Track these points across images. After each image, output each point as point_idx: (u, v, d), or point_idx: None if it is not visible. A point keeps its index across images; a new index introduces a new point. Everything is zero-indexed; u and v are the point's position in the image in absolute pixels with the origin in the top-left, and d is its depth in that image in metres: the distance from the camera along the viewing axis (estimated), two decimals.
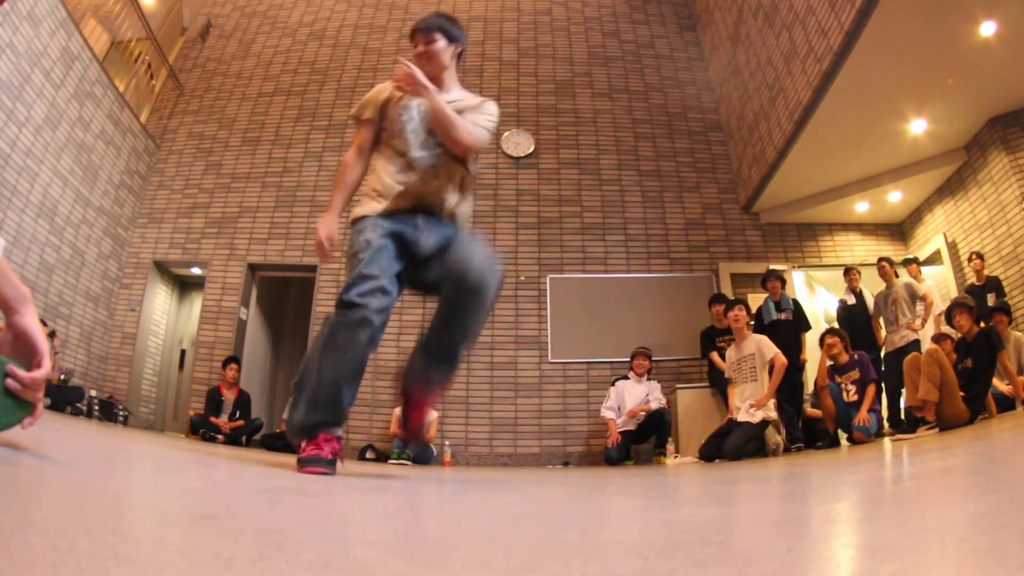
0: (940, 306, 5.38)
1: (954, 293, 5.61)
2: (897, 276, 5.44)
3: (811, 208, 6.61)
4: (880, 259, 5.49)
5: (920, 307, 5.22)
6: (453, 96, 2.28)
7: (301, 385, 1.92)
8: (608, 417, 5.25)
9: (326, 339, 1.91)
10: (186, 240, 6.87)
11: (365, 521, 0.91)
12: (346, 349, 1.87)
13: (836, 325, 5.54)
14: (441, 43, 2.32)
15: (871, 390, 4.30)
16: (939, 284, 6.00)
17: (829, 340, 4.55)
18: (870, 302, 5.55)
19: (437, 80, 2.24)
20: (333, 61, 7.97)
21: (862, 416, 4.17)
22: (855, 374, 4.39)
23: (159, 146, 7.38)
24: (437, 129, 2.08)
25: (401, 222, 2.04)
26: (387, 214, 2.04)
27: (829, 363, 4.61)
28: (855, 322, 5.40)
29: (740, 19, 6.74)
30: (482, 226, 6.87)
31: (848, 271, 5.71)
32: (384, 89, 2.25)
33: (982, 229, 5.58)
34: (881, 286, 5.45)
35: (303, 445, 1.85)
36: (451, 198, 2.13)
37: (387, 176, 2.09)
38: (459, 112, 2.14)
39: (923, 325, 5.15)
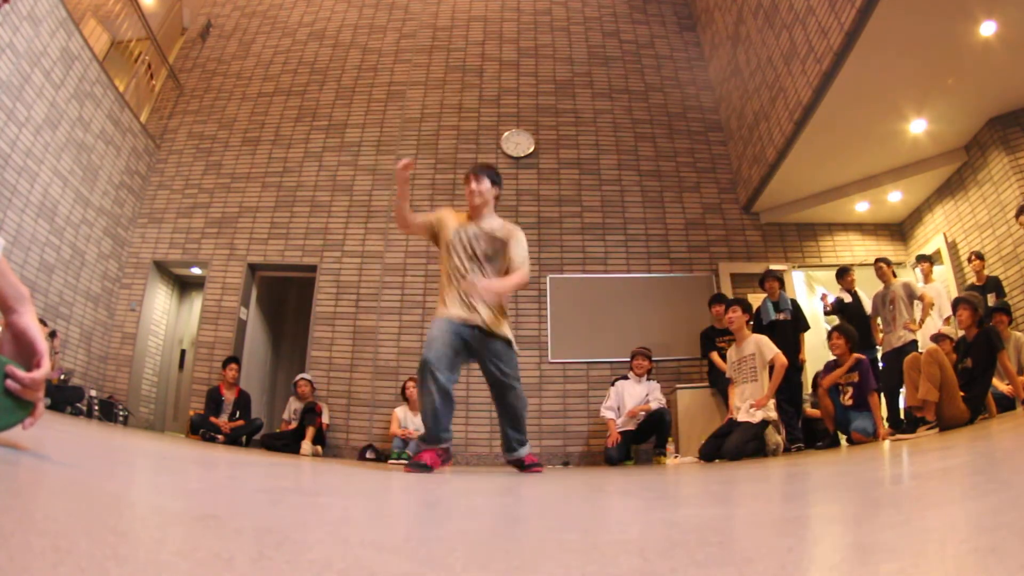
0: (947, 308, 5.38)
1: (954, 293, 5.60)
2: (895, 276, 5.44)
3: (811, 208, 6.61)
4: (877, 260, 5.49)
5: (918, 307, 5.23)
6: (490, 224, 3.05)
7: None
8: (608, 417, 5.25)
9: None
10: (186, 240, 6.87)
11: (365, 521, 0.91)
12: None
13: (834, 320, 5.53)
14: (487, 185, 3.07)
15: (875, 400, 4.29)
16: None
17: (836, 340, 4.50)
18: (865, 303, 5.55)
19: (481, 210, 3.06)
20: (333, 61, 7.97)
21: (882, 432, 4.15)
22: (854, 377, 4.38)
23: (159, 146, 7.38)
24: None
25: None
26: None
27: (831, 360, 4.61)
28: (851, 322, 5.41)
29: (740, 19, 6.74)
30: None
31: (844, 274, 5.67)
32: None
33: (982, 229, 5.58)
34: (877, 286, 5.45)
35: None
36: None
37: None
38: (495, 238, 3.00)
39: (920, 325, 5.15)
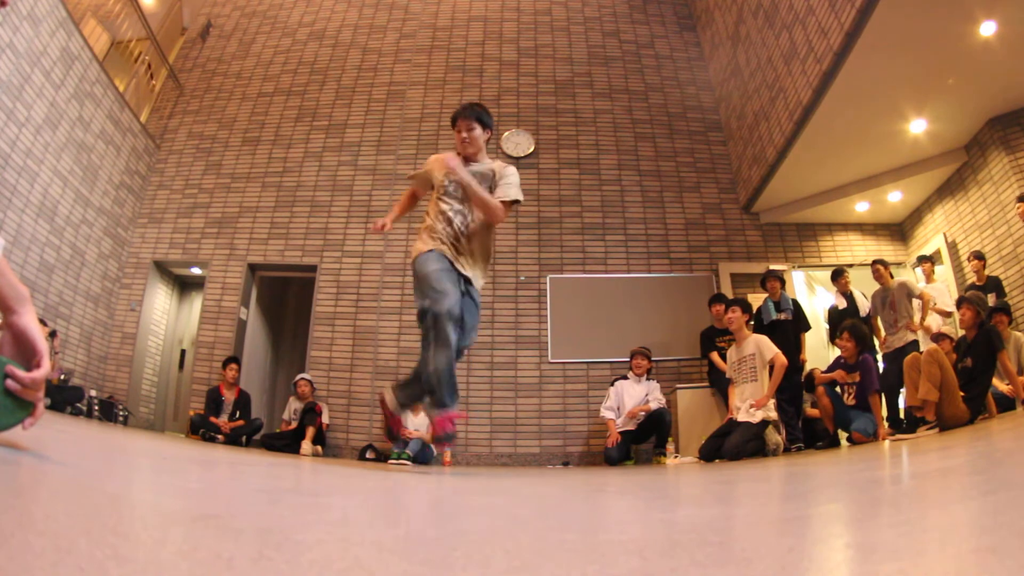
0: (950, 304, 5.39)
1: (954, 293, 5.61)
2: (892, 276, 5.44)
3: (811, 208, 6.61)
4: (874, 262, 5.48)
5: (918, 306, 5.23)
6: (482, 167, 2.92)
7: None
8: (608, 417, 5.25)
9: None
10: (186, 240, 6.87)
11: (365, 521, 0.91)
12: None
13: (829, 327, 5.53)
14: (477, 130, 2.92)
15: (876, 401, 4.29)
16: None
17: (846, 341, 4.48)
18: (861, 303, 5.54)
19: (474, 156, 2.94)
20: (333, 61, 7.97)
21: (882, 432, 4.15)
22: (856, 376, 4.38)
23: (159, 146, 7.38)
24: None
25: None
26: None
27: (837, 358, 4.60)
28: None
29: (740, 19, 6.74)
30: None
31: (836, 276, 5.67)
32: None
33: (982, 229, 5.58)
34: (876, 287, 5.45)
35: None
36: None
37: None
38: (486, 178, 2.86)
39: (922, 324, 5.15)
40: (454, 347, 2.69)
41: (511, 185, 2.86)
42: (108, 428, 4.27)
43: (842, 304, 5.60)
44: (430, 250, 2.79)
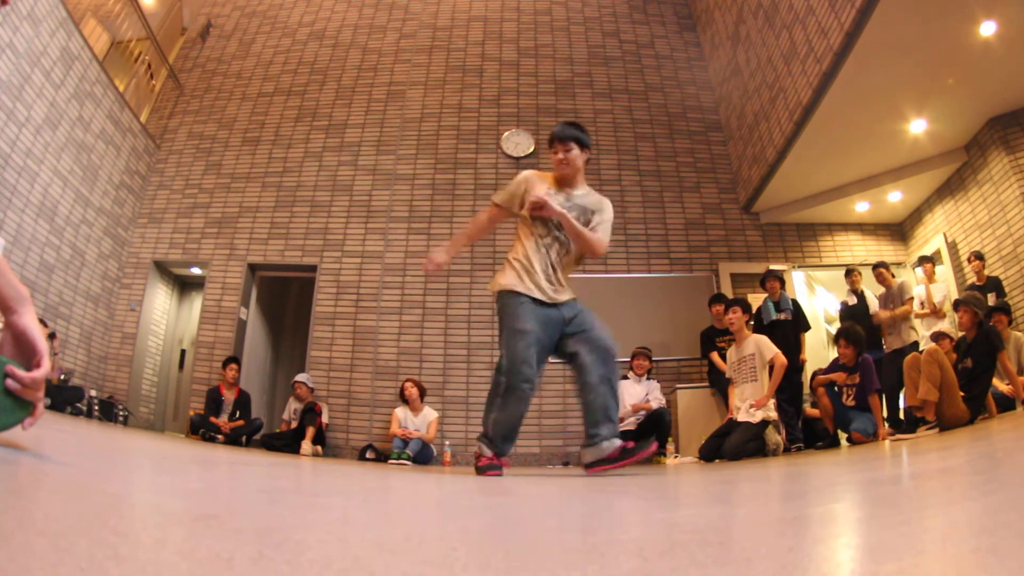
0: (943, 297, 5.41)
1: (954, 293, 5.61)
2: (894, 277, 5.46)
3: (811, 208, 6.61)
4: (875, 265, 5.49)
5: (917, 305, 5.25)
6: (583, 198, 2.76)
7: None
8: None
9: None
10: (186, 240, 6.87)
11: (365, 521, 0.91)
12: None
13: (837, 326, 5.54)
14: (575, 151, 2.72)
15: (876, 401, 4.28)
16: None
17: (844, 348, 4.47)
18: (871, 302, 5.57)
19: (572, 180, 2.75)
20: (333, 61, 7.97)
21: (882, 432, 4.15)
22: (856, 378, 4.38)
23: (159, 146, 7.38)
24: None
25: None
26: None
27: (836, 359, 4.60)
28: (857, 323, 5.41)
29: (740, 19, 6.74)
30: None
31: (849, 272, 5.72)
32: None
33: (982, 229, 5.58)
34: (878, 287, 5.47)
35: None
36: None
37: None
38: (587, 210, 2.70)
39: (907, 325, 5.16)
40: (526, 407, 2.66)
41: (607, 223, 2.71)
42: (108, 428, 4.27)
43: (852, 301, 5.63)
44: (523, 295, 2.61)
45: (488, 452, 2.66)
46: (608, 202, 2.80)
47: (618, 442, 2.58)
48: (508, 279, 2.65)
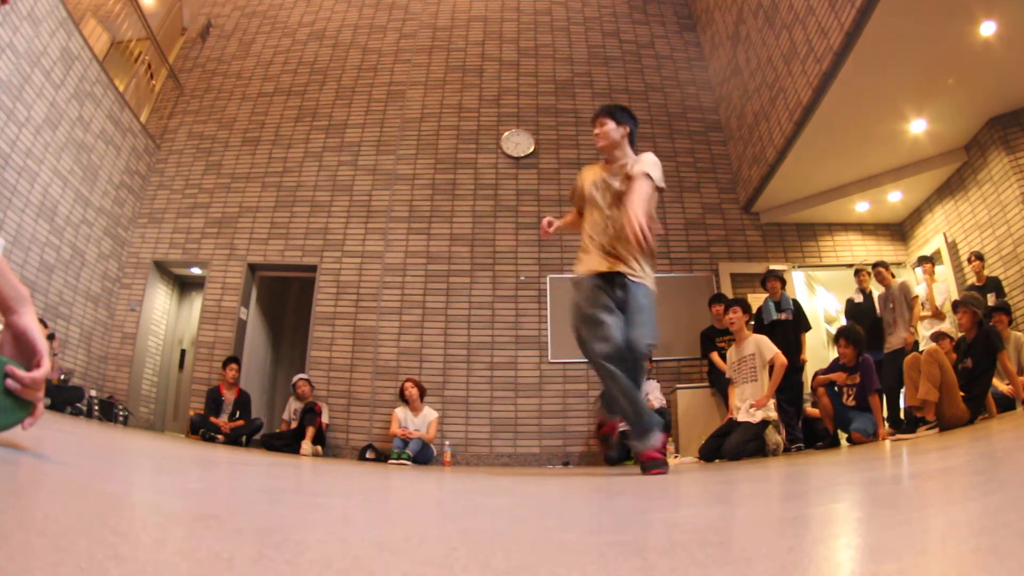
0: (944, 298, 5.41)
1: (954, 293, 5.61)
2: (894, 277, 5.46)
3: (811, 208, 6.61)
4: (874, 265, 5.49)
5: (917, 303, 5.25)
6: (623, 161, 2.79)
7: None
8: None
9: None
10: (186, 240, 6.87)
11: (365, 521, 0.91)
12: None
13: (840, 324, 5.54)
14: (609, 125, 2.80)
15: (876, 401, 4.28)
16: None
17: (844, 348, 4.46)
18: (877, 303, 5.57)
19: (612, 154, 2.82)
20: (333, 61, 7.97)
21: (882, 432, 4.14)
22: (856, 378, 4.38)
23: (159, 146, 7.38)
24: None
25: None
26: None
27: (836, 359, 4.60)
28: (861, 321, 5.41)
29: (740, 19, 6.74)
30: (482, 226, 6.88)
31: (859, 271, 5.73)
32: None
33: (982, 229, 5.58)
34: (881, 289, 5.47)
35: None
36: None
37: None
38: (627, 173, 2.69)
39: (914, 327, 5.17)
40: (618, 377, 2.52)
41: (641, 167, 2.64)
42: (108, 428, 4.27)
43: (859, 299, 5.63)
44: (581, 275, 2.70)
45: (639, 443, 2.53)
46: (646, 155, 2.75)
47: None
48: (575, 268, 2.79)
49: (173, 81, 7.78)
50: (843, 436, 4.49)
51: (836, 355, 4.71)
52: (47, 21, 5.49)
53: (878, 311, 5.48)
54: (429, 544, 0.68)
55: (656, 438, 2.52)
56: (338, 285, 6.64)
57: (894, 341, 5.20)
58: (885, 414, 4.77)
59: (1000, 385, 4.20)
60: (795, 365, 4.91)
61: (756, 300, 5.66)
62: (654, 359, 5.64)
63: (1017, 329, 4.63)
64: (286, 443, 5.43)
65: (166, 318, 7.20)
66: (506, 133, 7.35)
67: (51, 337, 5.19)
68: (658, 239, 2.75)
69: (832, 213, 6.73)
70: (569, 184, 7.03)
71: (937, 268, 5.97)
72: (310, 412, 5.51)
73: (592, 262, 2.69)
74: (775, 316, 5.27)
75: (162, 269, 7.01)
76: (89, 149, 6.13)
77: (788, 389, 4.74)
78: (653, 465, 2.44)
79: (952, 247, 6.01)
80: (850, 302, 5.77)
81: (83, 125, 6.02)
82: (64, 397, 5.05)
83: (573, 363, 6.29)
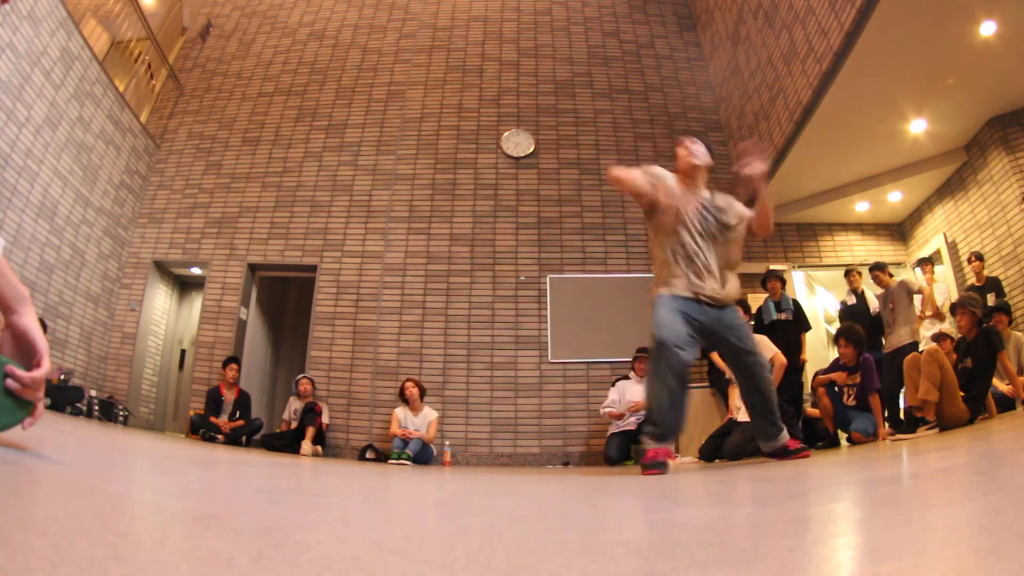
0: (944, 299, 5.41)
1: (954, 293, 5.61)
2: (891, 276, 5.45)
3: (811, 208, 6.61)
4: (872, 268, 5.43)
5: (918, 301, 5.24)
6: (716, 198, 2.86)
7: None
8: (609, 409, 5.28)
9: None
10: (186, 240, 6.87)
11: (365, 521, 0.91)
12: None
13: (837, 326, 5.54)
14: (702, 148, 2.86)
15: (876, 401, 4.28)
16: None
17: (844, 348, 4.45)
18: (872, 302, 5.56)
19: (698, 177, 2.86)
20: (333, 61, 7.97)
21: (882, 432, 4.14)
22: (857, 378, 4.37)
23: (159, 146, 7.38)
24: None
25: None
26: None
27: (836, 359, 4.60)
28: (856, 323, 5.41)
29: (740, 19, 6.74)
30: (482, 226, 6.88)
31: (849, 272, 5.72)
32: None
33: (982, 229, 5.58)
34: (877, 287, 5.47)
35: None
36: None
37: None
38: (722, 211, 2.85)
39: (921, 321, 5.16)
40: (674, 384, 2.56)
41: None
42: (108, 428, 4.27)
43: (851, 301, 5.62)
44: (666, 295, 2.70)
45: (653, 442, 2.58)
46: (732, 199, 2.89)
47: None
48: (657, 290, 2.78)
49: (173, 81, 7.78)
50: (843, 436, 4.48)
51: (836, 355, 4.71)
52: (47, 21, 5.48)
53: (874, 311, 5.47)
54: (429, 544, 0.68)
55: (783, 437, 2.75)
56: (338, 285, 6.64)
57: (894, 340, 5.19)
58: (885, 414, 4.77)
59: (1000, 385, 4.20)
60: (795, 365, 4.91)
61: (756, 300, 5.65)
62: None
63: (1017, 329, 4.63)
64: (286, 443, 5.43)
65: (166, 318, 7.20)
66: (506, 133, 7.35)
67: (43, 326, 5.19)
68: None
69: (832, 213, 6.73)
70: (570, 184, 7.07)
71: (937, 268, 5.97)
72: (310, 412, 5.51)
73: (680, 285, 2.72)
74: (775, 316, 5.27)
75: (162, 269, 7.01)
76: (89, 149, 6.12)
77: (788, 389, 4.73)
78: (653, 466, 2.46)
79: (952, 247, 6.01)
80: (843, 304, 5.76)
81: (83, 125, 6.02)
82: (64, 397, 5.05)
83: (573, 363, 6.30)
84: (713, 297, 2.68)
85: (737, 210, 2.85)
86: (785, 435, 2.79)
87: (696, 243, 2.70)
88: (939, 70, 4.77)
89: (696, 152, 2.82)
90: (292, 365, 7.44)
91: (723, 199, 2.85)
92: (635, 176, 2.78)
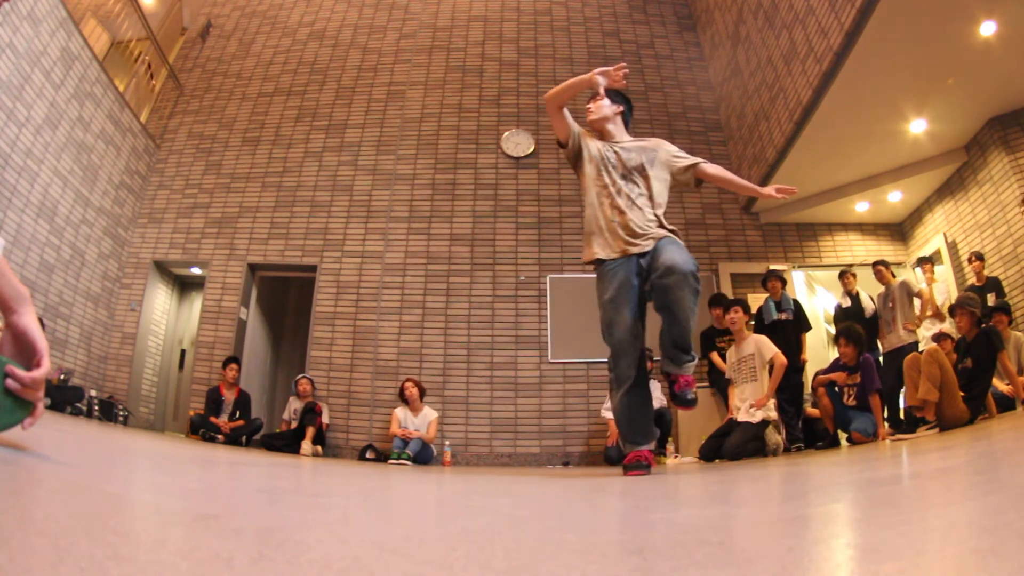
0: (944, 299, 5.41)
1: (954, 293, 5.61)
2: (894, 276, 5.45)
3: (811, 208, 6.61)
4: (875, 263, 5.49)
5: (918, 304, 5.24)
6: (631, 140, 2.83)
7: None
8: (608, 417, 5.24)
9: None
10: (186, 240, 6.87)
11: (365, 521, 0.91)
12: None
13: (835, 327, 5.54)
14: (604, 102, 2.82)
15: (876, 401, 4.28)
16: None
17: (844, 348, 4.45)
18: (866, 304, 5.56)
19: (605, 126, 2.83)
20: (333, 61, 7.97)
21: (882, 432, 4.14)
22: (857, 378, 4.37)
23: (159, 146, 7.38)
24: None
25: None
26: None
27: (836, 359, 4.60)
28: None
29: (740, 19, 6.74)
30: (482, 226, 6.88)
31: (843, 274, 5.71)
32: None
33: (982, 229, 5.58)
34: (880, 288, 5.46)
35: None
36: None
37: None
38: (643, 148, 2.78)
39: (920, 323, 5.15)
40: (626, 387, 2.51)
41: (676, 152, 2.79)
42: (108, 428, 4.27)
43: (846, 303, 5.62)
44: (596, 260, 2.64)
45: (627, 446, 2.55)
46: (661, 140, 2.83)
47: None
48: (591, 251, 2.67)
49: (173, 81, 7.78)
50: (843, 436, 4.48)
51: (836, 355, 4.71)
52: (47, 21, 5.48)
53: (868, 313, 5.46)
54: (429, 544, 0.68)
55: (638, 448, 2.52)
56: (338, 285, 6.64)
57: (893, 340, 5.20)
58: (885, 414, 4.77)
59: (1000, 385, 4.20)
60: (795, 365, 4.90)
61: (756, 300, 5.65)
62: (654, 359, 5.62)
63: (1017, 329, 4.63)
64: (286, 443, 5.43)
65: (166, 318, 7.20)
66: (506, 133, 7.35)
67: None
68: None
69: (832, 213, 6.73)
70: (570, 184, 7.06)
71: (937, 268, 5.97)
72: (310, 412, 5.51)
73: (611, 248, 2.64)
74: (776, 316, 5.27)
75: (162, 269, 7.01)
76: (89, 149, 6.12)
77: (788, 389, 4.74)
78: (635, 467, 2.45)
79: (952, 247, 6.01)
80: (838, 307, 5.75)
81: (83, 125, 6.02)
82: (64, 397, 5.05)
83: (573, 363, 6.30)
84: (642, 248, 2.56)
85: (662, 157, 2.74)
86: (690, 366, 2.57)
87: (618, 186, 2.64)
88: (939, 70, 4.77)
89: (593, 108, 2.79)
90: (292, 365, 7.44)
91: (651, 142, 2.80)
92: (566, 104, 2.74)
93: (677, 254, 2.42)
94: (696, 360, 2.62)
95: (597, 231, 2.66)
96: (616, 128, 2.83)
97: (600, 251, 2.63)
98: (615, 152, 2.71)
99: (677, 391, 2.63)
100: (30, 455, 1.00)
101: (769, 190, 2.81)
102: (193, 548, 0.53)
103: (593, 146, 2.75)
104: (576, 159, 2.78)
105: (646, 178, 2.68)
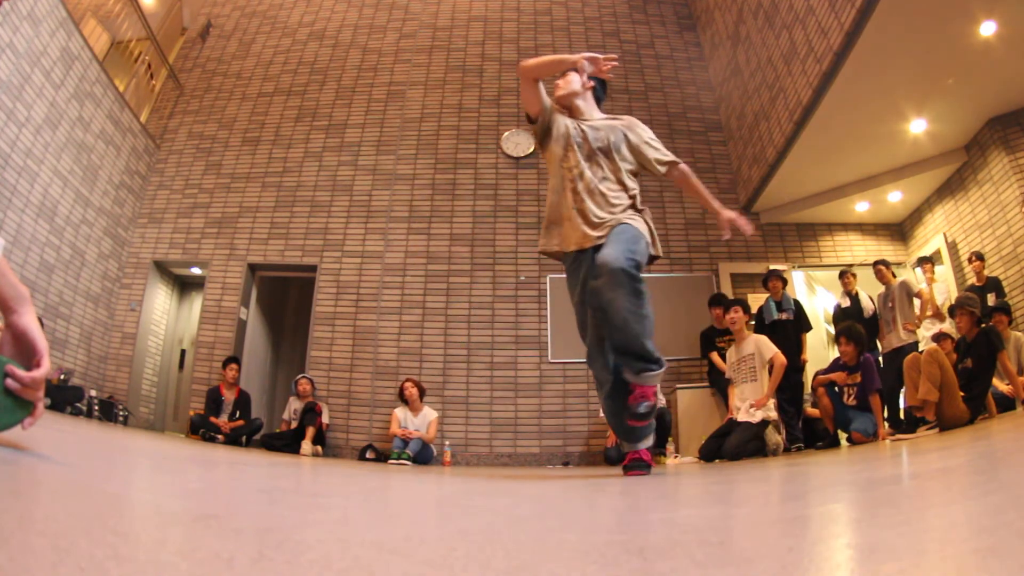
0: (944, 299, 5.41)
1: (954, 293, 5.61)
2: (894, 276, 5.45)
3: (811, 208, 6.61)
4: (876, 263, 5.50)
5: (918, 304, 5.24)
6: (601, 118, 2.68)
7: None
8: None
9: None
10: (186, 240, 6.87)
11: (365, 521, 0.91)
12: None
13: (835, 327, 5.54)
14: (571, 76, 2.68)
15: (877, 401, 4.28)
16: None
17: (845, 347, 4.45)
18: (865, 304, 5.56)
19: (573, 101, 2.67)
20: (333, 61, 7.97)
21: (882, 432, 4.14)
22: (857, 377, 4.37)
23: (159, 146, 7.38)
24: None
25: None
26: None
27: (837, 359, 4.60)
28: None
29: (740, 19, 6.74)
30: (482, 226, 6.88)
31: (843, 274, 5.71)
32: None
33: (982, 229, 5.58)
34: (880, 288, 5.46)
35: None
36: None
37: None
38: (612, 127, 2.63)
39: (919, 323, 5.15)
40: (607, 390, 2.45)
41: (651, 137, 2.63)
42: (108, 428, 4.27)
43: (845, 303, 5.62)
44: (551, 252, 2.55)
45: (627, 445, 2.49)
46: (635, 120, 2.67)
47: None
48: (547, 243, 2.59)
49: (173, 81, 7.78)
50: (843, 436, 4.48)
51: (836, 355, 4.71)
52: (47, 21, 5.48)
53: (867, 313, 5.46)
54: (429, 544, 0.68)
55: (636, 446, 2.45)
56: (338, 285, 6.65)
57: (893, 340, 5.20)
58: (885, 414, 4.77)
59: (1000, 385, 4.20)
60: (795, 365, 4.91)
61: (756, 300, 5.66)
62: None
63: (1017, 329, 4.63)
64: (286, 443, 5.43)
65: (166, 318, 7.20)
66: (506, 133, 7.35)
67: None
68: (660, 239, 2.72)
69: (832, 213, 6.73)
70: None
71: (937, 268, 5.97)
72: (310, 412, 5.51)
73: (568, 239, 2.60)
74: (776, 316, 5.27)
75: (162, 269, 7.01)
76: (89, 149, 6.12)
77: (788, 389, 4.74)
78: (635, 467, 2.40)
79: (952, 247, 6.01)
80: (838, 307, 5.75)
81: (83, 125, 6.02)
82: (64, 397, 5.05)
83: (573, 363, 6.29)
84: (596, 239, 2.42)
85: (633, 139, 2.59)
86: (651, 376, 2.39)
87: (580, 169, 2.48)
88: (939, 70, 4.77)
89: (561, 83, 2.65)
90: (292, 365, 7.44)
91: (623, 120, 2.65)
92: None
93: (612, 248, 2.26)
94: (663, 370, 2.43)
95: (556, 220, 2.54)
96: (586, 104, 2.67)
97: (556, 243, 2.54)
98: (582, 131, 2.55)
99: (629, 402, 2.39)
100: (30, 455, 1.00)
101: (730, 214, 2.62)
102: (193, 548, 0.53)
103: (562, 123, 2.58)
104: (544, 136, 2.60)
105: (611, 160, 2.52)
